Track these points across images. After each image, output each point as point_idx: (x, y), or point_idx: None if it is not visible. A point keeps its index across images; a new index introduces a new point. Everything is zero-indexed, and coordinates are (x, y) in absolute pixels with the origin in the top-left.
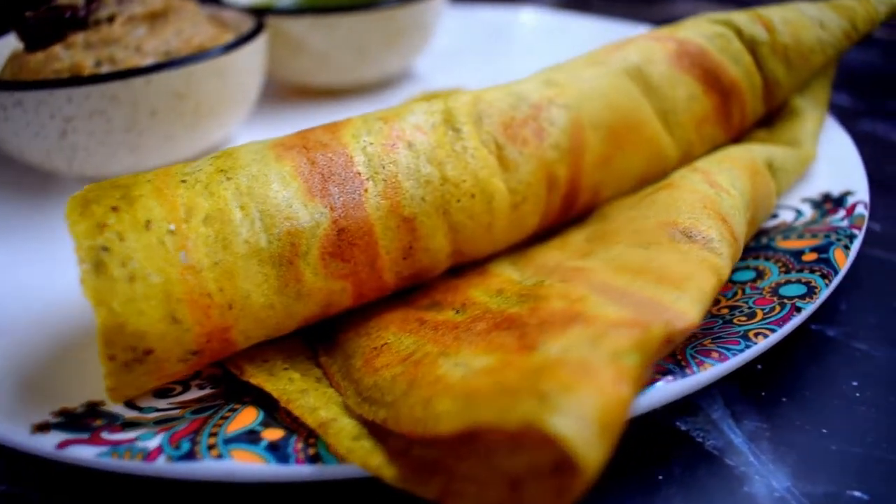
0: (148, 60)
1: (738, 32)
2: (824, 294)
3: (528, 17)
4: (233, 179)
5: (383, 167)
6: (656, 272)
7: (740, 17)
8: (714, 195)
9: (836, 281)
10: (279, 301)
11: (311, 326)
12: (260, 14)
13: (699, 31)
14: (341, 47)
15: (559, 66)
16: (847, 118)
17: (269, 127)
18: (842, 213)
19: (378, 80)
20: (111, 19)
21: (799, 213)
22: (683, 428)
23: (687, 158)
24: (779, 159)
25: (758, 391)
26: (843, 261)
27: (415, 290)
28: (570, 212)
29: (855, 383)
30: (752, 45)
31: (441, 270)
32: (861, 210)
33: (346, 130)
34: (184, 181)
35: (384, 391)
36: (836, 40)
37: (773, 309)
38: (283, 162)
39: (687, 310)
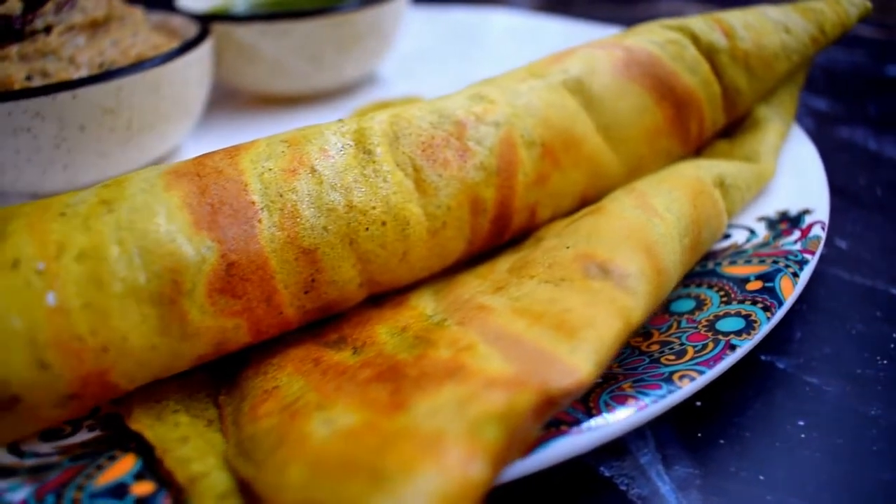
0: (81, 73)
1: (695, 39)
2: (764, 330)
3: (500, 19)
4: (115, 212)
5: (281, 195)
6: (557, 317)
7: (697, 23)
8: (644, 221)
9: (779, 314)
10: (162, 342)
11: (218, 361)
12: (207, 21)
13: (650, 37)
14: (295, 54)
15: (493, 80)
16: (824, 123)
17: (223, 136)
18: (796, 234)
19: (337, 86)
20: (48, 30)
21: (752, 233)
22: (607, 474)
23: (637, 173)
24: (731, 176)
25: (694, 431)
26: (790, 291)
27: (328, 321)
28: (503, 235)
29: (801, 423)
30: (709, 53)
31: (355, 302)
32: (818, 231)
33: (246, 155)
34: (63, 214)
35: (257, 444)
36: (803, 45)
37: (705, 346)
38: (171, 191)
39: (579, 365)
